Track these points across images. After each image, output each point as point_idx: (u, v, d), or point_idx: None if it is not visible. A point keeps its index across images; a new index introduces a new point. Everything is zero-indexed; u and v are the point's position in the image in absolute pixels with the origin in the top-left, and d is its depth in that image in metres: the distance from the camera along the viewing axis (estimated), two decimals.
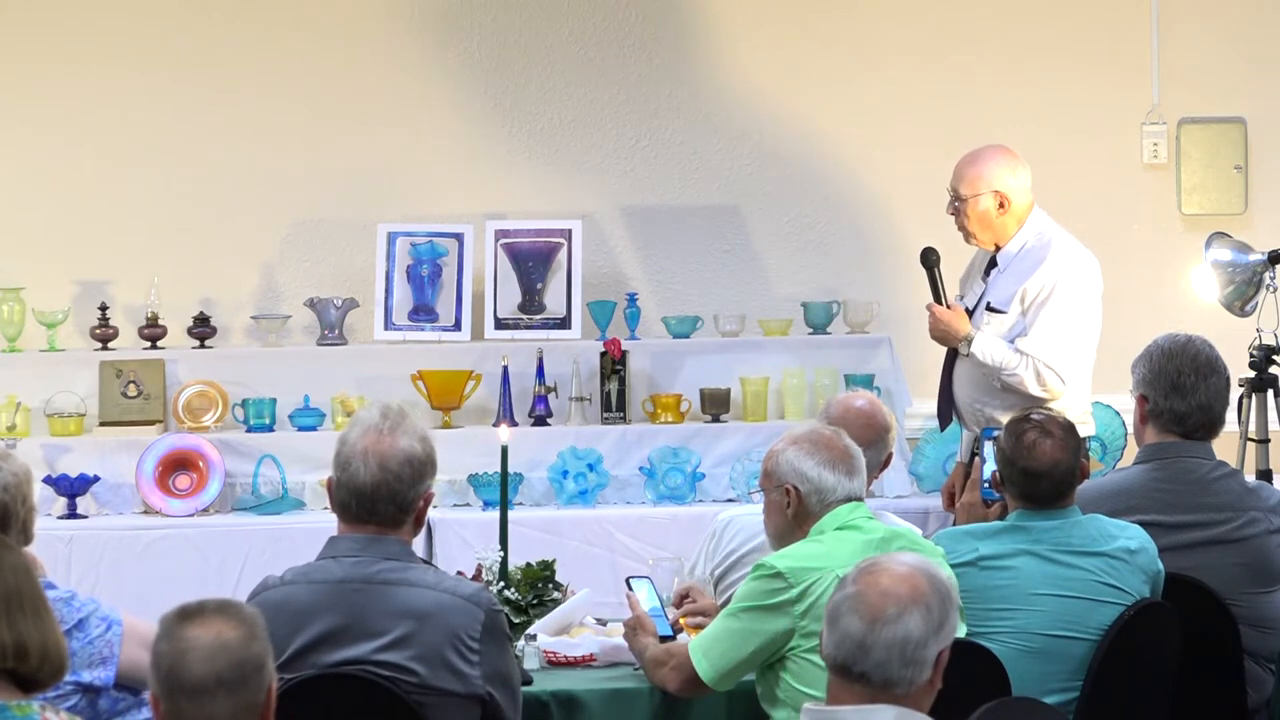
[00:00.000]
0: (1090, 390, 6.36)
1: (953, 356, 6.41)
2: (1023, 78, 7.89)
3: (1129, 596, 4.75)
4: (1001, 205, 6.29)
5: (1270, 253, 6.62)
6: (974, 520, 5.15)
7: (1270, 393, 6.53)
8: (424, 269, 7.55)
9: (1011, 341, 6.23)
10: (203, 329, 7.52)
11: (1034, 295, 6.23)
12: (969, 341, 6.27)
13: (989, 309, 6.31)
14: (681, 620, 4.90)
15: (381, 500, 4.19)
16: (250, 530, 6.95)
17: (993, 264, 6.38)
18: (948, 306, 6.38)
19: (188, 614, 3.26)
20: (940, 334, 6.37)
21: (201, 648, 3.21)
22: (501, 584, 5.02)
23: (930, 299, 6.43)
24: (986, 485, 5.27)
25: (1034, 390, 6.17)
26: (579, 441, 7.21)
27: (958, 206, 6.34)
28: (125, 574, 6.83)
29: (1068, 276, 6.24)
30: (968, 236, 6.39)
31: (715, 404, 7.38)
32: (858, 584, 3.39)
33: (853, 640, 3.35)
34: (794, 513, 4.64)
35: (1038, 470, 4.77)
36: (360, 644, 4.13)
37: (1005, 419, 6.18)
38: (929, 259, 6.44)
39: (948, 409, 6.42)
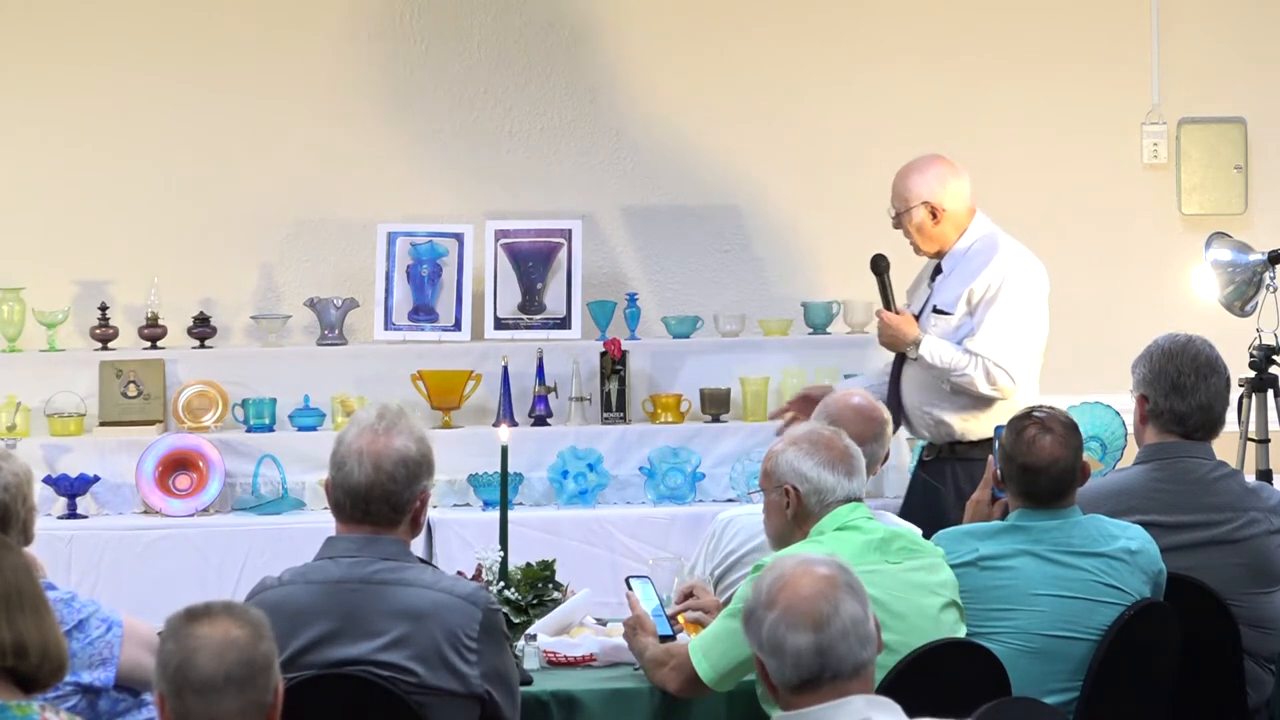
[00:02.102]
0: (1038, 393, 6.41)
1: (900, 362, 6.47)
2: (1023, 78, 7.89)
3: (1129, 597, 4.75)
4: (934, 215, 6.41)
5: (1270, 253, 6.62)
6: (981, 518, 5.15)
7: (1270, 393, 6.53)
8: (424, 269, 7.55)
9: (959, 343, 6.28)
10: (203, 329, 7.52)
11: (981, 294, 6.32)
12: (917, 345, 6.32)
13: (935, 311, 6.38)
14: (682, 620, 4.90)
15: (375, 500, 4.20)
16: (250, 530, 6.95)
17: (938, 271, 6.47)
18: (897, 313, 6.44)
19: (195, 614, 3.27)
20: (889, 339, 6.46)
21: (210, 645, 3.22)
22: (501, 584, 5.02)
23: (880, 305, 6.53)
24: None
25: (984, 390, 6.25)
26: (579, 441, 7.21)
27: (898, 221, 6.46)
28: (125, 574, 6.82)
29: (1014, 275, 6.34)
30: (915, 248, 6.51)
31: (715, 404, 7.38)
32: (778, 604, 3.41)
33: (810, 652, 3.37)
34: (794, 513, 4.64)
35: (1037, 466, 4.77)
36: (358, 644, 4.13)
37: (954, 422, 6.27)
38: (878, 265, 6.56)
39: (896, 415, 6.44)
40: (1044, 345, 6.43)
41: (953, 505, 6.06)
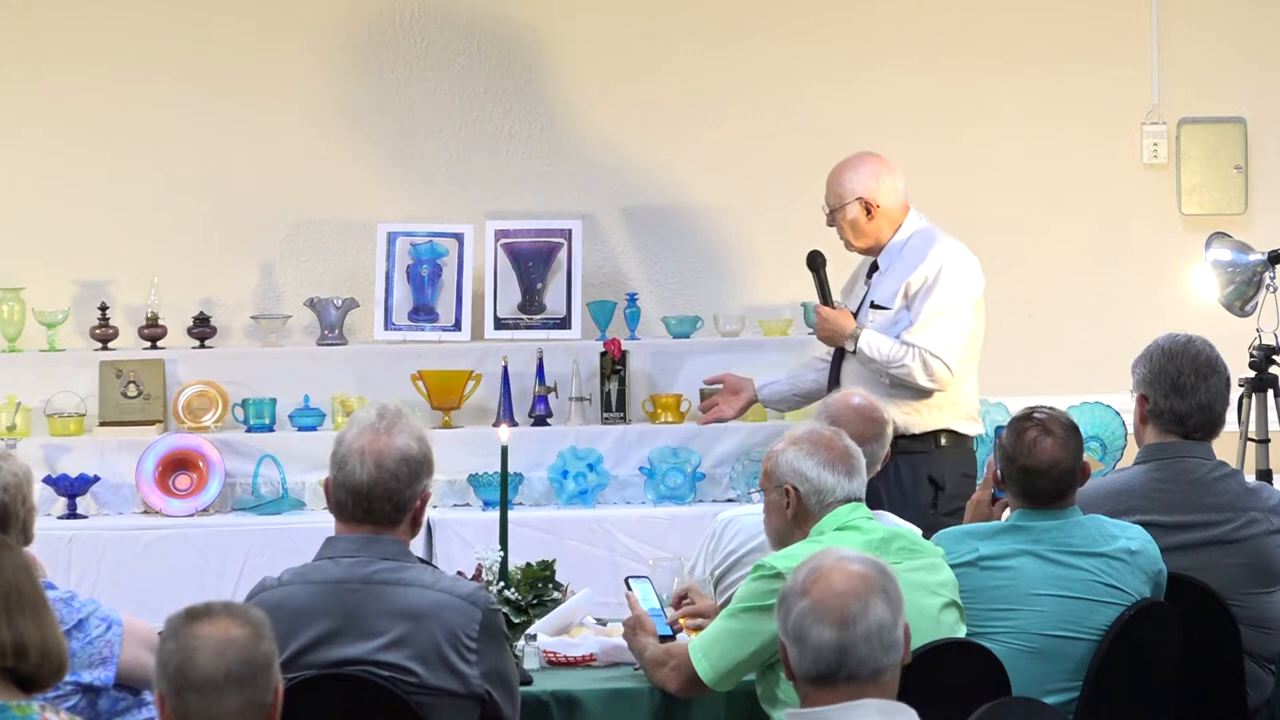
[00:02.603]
0: (977, 388, 6.43)
1: (839, 360, 6.49)
2: (1023, 78, 7.89)
3: (1129, 597, 4.75)
4: (869, 211, 6.49)
5: (1270, 253, 6.62)
6: (981, 518, 5.15)
7: (1270, 393, 6.53)
8: (424, 269, 7.55)
9: (896, 336, 6.32)
10: (203, 329, 7.51)
11: (918, 285, 6.41)
12: (855, 339, 6.36)
13: (873, 306, 6.44)
14: (681, 620, 4.90)
15: (378, 499, 4.20)
16: (250, 530, 6.95)
17: (874, 268, 6.54)
18: (834, 308, 6.47)
19: (195, 614, 3.27)
20: (828, 334, 6.53)
21: (211, 645, 3.23)
22: (501, 584, 5.02)
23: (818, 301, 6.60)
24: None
25: (922, 381, 6.31)
26: (579, 441, 7.21)
27: (832, 218, 6.52)
28: (125, 574, 6.82)
29: (950, 266, 6.41)
30: (848, 245, 6.57)
31: None
32: (810, 595, 3.40)
33: (830, 648, 3.37)
34: (794, 513, 4.64)
35: (1037, 468, 4.77)
36: (358, 644, 4.13)
37: (896, 416, 6.27)
38: (815, 262, 6.63)
39: None
40: (981, 339, 6.45)
41: (894, 503, 6.01)
